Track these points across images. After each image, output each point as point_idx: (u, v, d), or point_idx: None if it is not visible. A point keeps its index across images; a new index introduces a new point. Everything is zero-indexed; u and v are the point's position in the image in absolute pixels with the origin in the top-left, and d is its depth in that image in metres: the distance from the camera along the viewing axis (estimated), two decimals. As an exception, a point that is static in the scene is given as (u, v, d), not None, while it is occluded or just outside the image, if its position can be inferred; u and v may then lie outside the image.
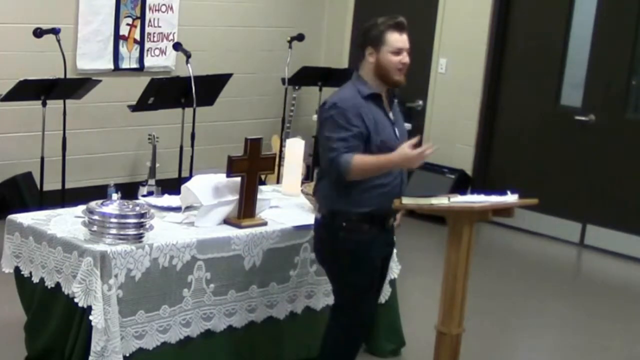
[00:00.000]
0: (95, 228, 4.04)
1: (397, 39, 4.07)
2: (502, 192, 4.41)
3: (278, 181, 6.78)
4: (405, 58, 4.09)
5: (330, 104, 4.04)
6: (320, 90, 7.49)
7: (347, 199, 4.04)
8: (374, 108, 4.08)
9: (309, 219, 4.53)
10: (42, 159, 6.20)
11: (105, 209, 4.07)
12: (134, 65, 7.55)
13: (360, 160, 3.94)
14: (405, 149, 3.95)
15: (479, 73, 7.95)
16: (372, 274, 4.23)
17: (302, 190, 5.00)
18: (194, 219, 4.44)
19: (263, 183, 5.80)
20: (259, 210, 4.58)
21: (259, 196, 4.55)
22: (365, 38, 4.10)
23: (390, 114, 4.20)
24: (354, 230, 4.07)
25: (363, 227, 4.08)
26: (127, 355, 4.05)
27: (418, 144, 4.00)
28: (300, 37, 7.83)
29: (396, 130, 4.17)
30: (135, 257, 4.02)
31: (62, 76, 6.21)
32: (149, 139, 7.37)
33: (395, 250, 4.99)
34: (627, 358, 5.49)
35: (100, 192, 6.57)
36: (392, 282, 5.00)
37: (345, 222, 4.06)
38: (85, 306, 3.92)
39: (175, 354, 4.23)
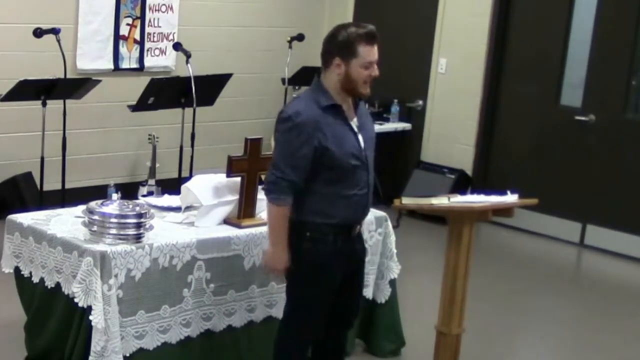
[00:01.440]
0: (95, 228, 4.04)
1: (369, 52, 3.82)
2: (502, 192, 4.41)
3: (278, 181, 6.76)
4: (374, 71, 3.85)
5: (286, 116, 3.85)
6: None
7: (314, 209, 3.87)
8: (332, 120, 3.86)
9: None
10: (42, 159, 6.20)
11: (105, 209, 4.08)
12: (134, 65, 7.55)
13: (281, 215, 3.84)
14: (280, 265, 3.93)
15: (479, 73, 7.95)
16: (329, 290, 3.99)
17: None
18: (194, 219, 4.44)
19: (263, 183, 5.79)
20: (259, 210, 4.58)
21: (259, 196, 4.55)
22: (333, 47, 3.84)
23: (354, 121, 3.96)
24: (318, 242, 3.89)
25: (328, 238, 3.90)
26: (127, 355, 4.05)
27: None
28: (300, 37, 7.84)
29: (360, 137, 3.92)
30: (135, 257, 4.02)
31: (62, 76, 6.21)
32: (149, 139, 7.37)
33: (395, 251, 5.01)
34: (626, 357, 5.49)
35: (100, 192, 6.57)
36: (392, 282, 5.00)
37: (309, 232, 3.89)
38: (85, 306, 3.92)
39: (176, 354, 4.23)
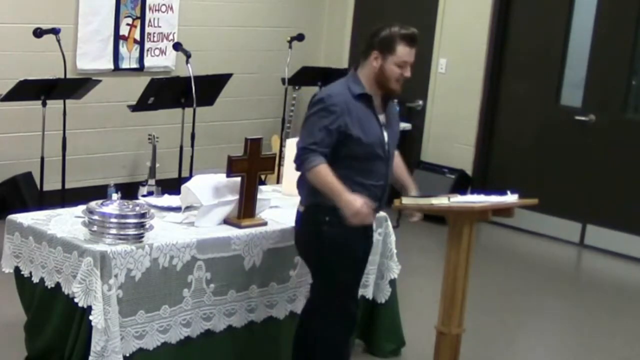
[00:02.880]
0: (95, 228, 4.04)
1: (406, 53, 4.05)
2: (502, 192, 4.42)
3: (278, 181, 6.77)
4: (407, 72, 4.08)
5: (318, 98, 4.07)
6: (320, 90, 7.49)
7: None
8: (363, 108, 4.06)
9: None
10: (42, 159, 6.20)
11: (105, 209, 4.07)
12: (134, 65, 7.55)
13: (324, 171, 3.94)
14: (359, 203, 3.90)
15: (479, 73, 7.95)
16: (358, 268, 4.25)
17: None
18: (194, 219, 4.44)
19: (263, 183, 5.80)
20: (259, 210, 4.58)
21: (259, 196, 4.55)
22: (374, 41, 4.06)
23: (382, 117, 4.15)
24: (337, 224, 4.02)
25: (345, 221, 4.01)
26: (127, 355, 4.05)
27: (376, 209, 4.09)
28: (300, 37, 7.83)
29: (385, 133, 4.13)
30: (135, 257, 4.02)
31: (62, 76, 6.21)
32: (149, 139, 7.37)
33: (395, 251, 5.01)
34: (627, 358, 5.49)
35: (100, 192, 6.57)
36: (392, 282, 5.00)
37: (328, 216, 4.03)
38: (85, 306, 3.92)
39: (176, 354, 4.23)
